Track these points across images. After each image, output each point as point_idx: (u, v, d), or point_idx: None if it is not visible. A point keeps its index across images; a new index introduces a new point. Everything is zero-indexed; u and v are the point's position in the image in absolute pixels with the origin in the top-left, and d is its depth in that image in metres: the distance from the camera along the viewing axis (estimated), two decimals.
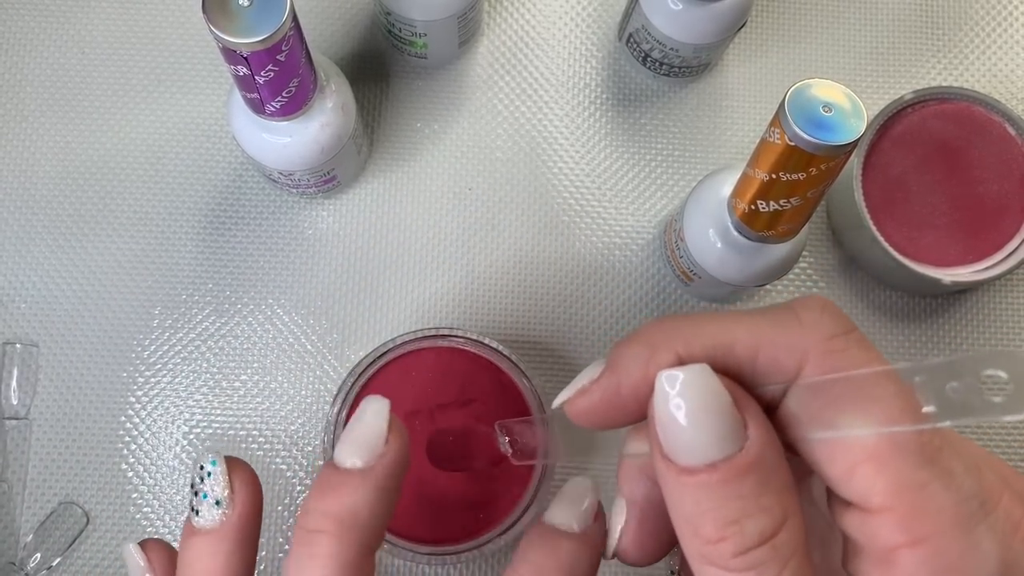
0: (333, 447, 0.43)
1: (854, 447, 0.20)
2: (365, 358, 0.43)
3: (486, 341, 0.43)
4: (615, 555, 0.26)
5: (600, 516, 0.26)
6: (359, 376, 0.43)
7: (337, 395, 0.43)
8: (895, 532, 0.20)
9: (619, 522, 0.25)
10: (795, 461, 0.22)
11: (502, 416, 0.44)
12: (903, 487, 0.20)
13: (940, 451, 0.20)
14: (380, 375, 0.44)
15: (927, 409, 0.18)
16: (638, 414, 0.23)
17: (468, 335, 0.43)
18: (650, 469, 0.23)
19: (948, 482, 0.20)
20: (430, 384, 0.44)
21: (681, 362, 0.22)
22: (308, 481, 0.48)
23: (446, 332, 0.43)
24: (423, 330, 0.44)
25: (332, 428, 0.43)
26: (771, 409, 0.22)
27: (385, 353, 0.43)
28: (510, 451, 0.31)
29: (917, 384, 0.19)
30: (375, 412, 0.26)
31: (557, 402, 0.24)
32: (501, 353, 0.43)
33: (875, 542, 0.21)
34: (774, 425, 0.21)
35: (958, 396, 0.18)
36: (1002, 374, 0.17)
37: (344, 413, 0.43)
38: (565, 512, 0.26)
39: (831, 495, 0.22)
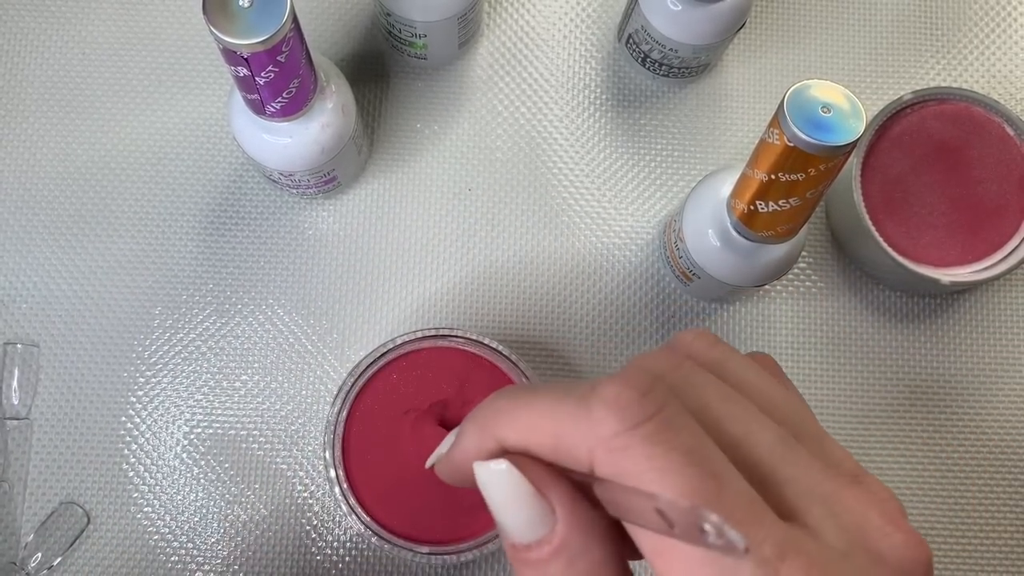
0: (333, 447, 0.43)
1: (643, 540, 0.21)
2: (365, 358, 0.43)
3: (486, 341, 0.43)
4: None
5: None
6: (359, 376, 0.43)
7: (337, 395, 0.43)
8: None
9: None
10: None
11: None
12: None
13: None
14: (380, 375, 0.44)
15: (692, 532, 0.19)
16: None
17: (468, 335, 0.43)
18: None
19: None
20: (430, 383, 0.44)
21: (500, 447, 0.23)
22: (308, 481, 0.48)
23: (446, 332, 0.44)
24: (423, 330, 0.44)
25: (332, 428, 0.43)
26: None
27: (385, 353, 0.43)
28: None
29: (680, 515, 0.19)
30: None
31: (429, 463, 0.27)
32: (500, 353, 0.43)
33: None
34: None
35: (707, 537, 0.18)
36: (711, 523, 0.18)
37: (344, 413, 0.43)
38: None
39: None
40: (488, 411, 0.24)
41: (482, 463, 0.22)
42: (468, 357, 0.44)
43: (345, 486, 0.42)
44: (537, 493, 0.22)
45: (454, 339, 0.43)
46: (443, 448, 0.26)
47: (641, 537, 0.21)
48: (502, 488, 0.22)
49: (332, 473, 0.42)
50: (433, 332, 0.43)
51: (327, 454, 0.43)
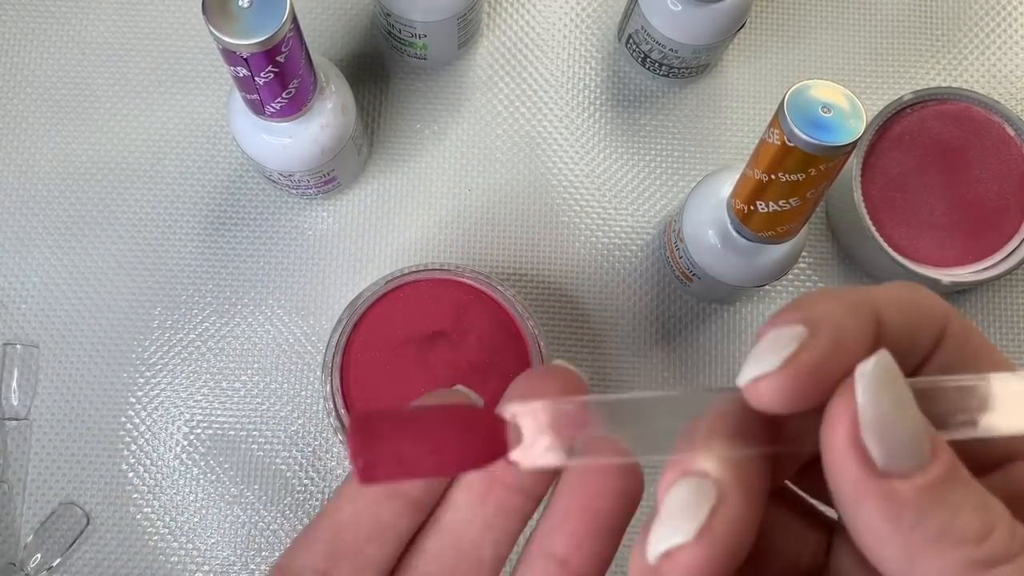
0: (332, 379, 0.42)
1: None
2: (364, 291, 0.42)
3: (490, 279, 0.43)
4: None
5: None
6: (355, 309, 0.42)
7: (335, 328, 0.42)
8: None
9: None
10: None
11: (505, 357, 0.42)
12: None
13: None
14: (374, 309, 0.43)
15: None
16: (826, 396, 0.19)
17: (471, 270, 0.43)
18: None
19: None
20: (424, 315, 0.42)
21: (876, 330, 0.19)
22: (308, 481, 0.48)
23: (440, 266, 0.43)
24: (416, 266, 0.43)
25: (331, 358, 0.42)
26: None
27: (387, 283, 0.43)
28: (535, 445, 0.20)
29: None
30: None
31: (746, 378, 0.19)
32: (501, 292, 0.42)
33: None
34: None
35: None
36: None
37: (344, 340, 0.42)
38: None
39: None
40: (852, 293, 0.20)
41: (871, 361, 0.18)
42: (467, 289, 0.43)
43: (343, 411, 0.42)
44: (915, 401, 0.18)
45: (453, 272, 0.43)
46: (784, 348, 0.19)
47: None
48: (889, 394, 0.18)
49: (330, 404, 0.42)
50: (431, 266, 0.43)
51: (327, 386, 0.42)
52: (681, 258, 0.47)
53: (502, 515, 0.22)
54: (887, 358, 0.18)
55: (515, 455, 0.20)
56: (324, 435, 0.48)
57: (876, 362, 0.18)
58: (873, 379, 0.18)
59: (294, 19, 0.36)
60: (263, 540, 0.47)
